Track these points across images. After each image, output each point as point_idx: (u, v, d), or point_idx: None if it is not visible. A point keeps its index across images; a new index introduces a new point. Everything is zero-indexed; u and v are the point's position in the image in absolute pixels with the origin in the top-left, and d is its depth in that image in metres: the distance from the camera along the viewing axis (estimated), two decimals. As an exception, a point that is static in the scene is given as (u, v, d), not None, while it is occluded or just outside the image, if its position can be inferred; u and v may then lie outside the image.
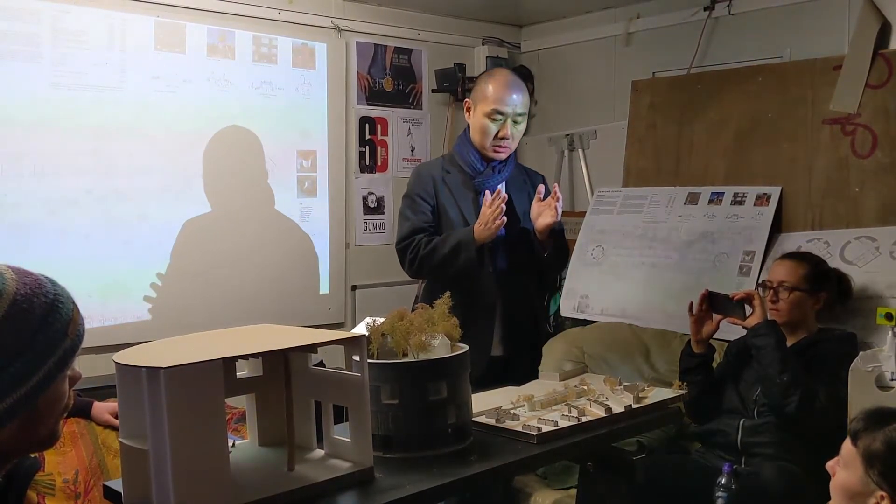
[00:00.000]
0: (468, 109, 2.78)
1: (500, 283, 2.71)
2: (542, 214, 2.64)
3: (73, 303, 1.15)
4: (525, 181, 2.86)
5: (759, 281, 2.66)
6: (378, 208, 4.05)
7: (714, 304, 2.52)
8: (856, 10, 3.20)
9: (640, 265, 3.53)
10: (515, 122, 2.71)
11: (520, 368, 2.67)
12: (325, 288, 3.91)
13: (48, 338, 1.09)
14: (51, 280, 1.14)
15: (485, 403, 2.06)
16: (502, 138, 2.69)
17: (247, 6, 3.58)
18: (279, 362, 1.70)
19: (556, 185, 2.73)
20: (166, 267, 3.41)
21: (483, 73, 2.94)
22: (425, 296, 2.80)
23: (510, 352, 2.74)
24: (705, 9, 3.67)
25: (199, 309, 3.44)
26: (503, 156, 2.75)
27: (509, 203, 2.74)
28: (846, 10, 3.28)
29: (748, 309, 2.45)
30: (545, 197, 2.67)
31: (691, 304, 2.54)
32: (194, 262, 3.49)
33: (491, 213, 2.56)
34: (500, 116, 2.67)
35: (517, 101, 2.69)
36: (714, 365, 2.64)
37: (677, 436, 2.83)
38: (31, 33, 3.05)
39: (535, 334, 2.90)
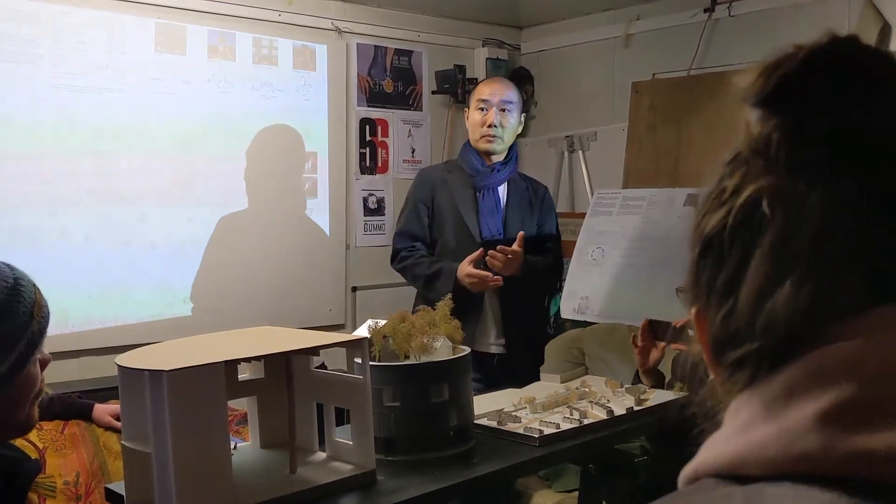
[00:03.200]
0: (466, 118, 2.91)
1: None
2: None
3: (34, 286, 1.15)
4: (528, 188, 2.93)
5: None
6: (378, 210, 4.05)
7: (656, 332, 2.43)
8: (856, 12, 3.20)
9: (640, 266, 3.53)
10: (504, 111, 2.78)
11: (521, 368, 2.69)
12: (325, 289, 3.91)
13: (15, 322, 1.09)
14: (8, 265, 1.14)
15: (486, 406, 2.06)
16: (490, 126, 2.77)
17: (247, 8, 3.57)
18: (281, 364, 1.70)
19: (520, 235, 2.70)
20: (166, 268, 3.40)
21: None
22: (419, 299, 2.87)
23: (509, 351, 2.77)
24: (705, 10, 3.67)
25: (198, 310, 3.44)
26: (496, 146, 2.81)
27: (508, 209, 2.83)
28: (846, 12, 3.29)
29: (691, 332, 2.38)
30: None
31: (634, 336, 2.46)
32: (192, 263, 3.49)
33: (482, 275, 2.62)
34: (485, 104, 2.79)
35: (501, 90, 2.81)
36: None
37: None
38: (31, 35, 3.05)
39: (535, 335, 2.92)
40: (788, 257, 0.48)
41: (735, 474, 0.47)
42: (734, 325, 0.51)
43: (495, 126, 2.77)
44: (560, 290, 3.84)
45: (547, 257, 2.89)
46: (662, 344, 2.44)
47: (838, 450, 0.44)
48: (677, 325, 2.40)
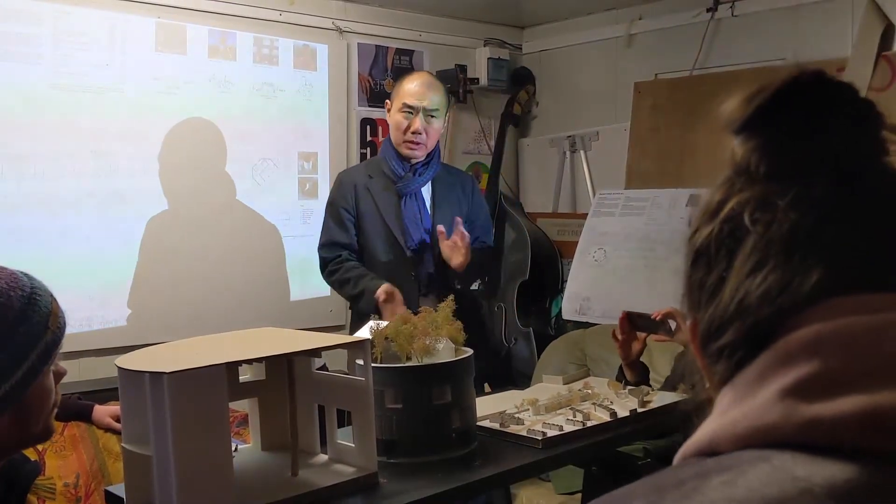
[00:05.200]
0: (388, 111, 2.83)
1: (427, 288, 2.69)
2: (453, 256, 2.66)
3: (52, 296, 1.15)
4: (454, 183, 2.88)
5: None
6: (379, 210, 4.04)
7: (636, 324, 2.40)
8: (859, 12, 3.19)
9: (642, 268, 3.52)
10: (430, 118, 2.72)
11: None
12: (325, 290, 3.90)
13: (28, 331, 1.08)
14: (26, 275, 1.14)
15: (489, 407, 2.05)
16: (414, 132, 2.70)
17: (248, 7, 3.56)
18: (282, 366, 1.69)
19: (458, 220, 2.68)
20: (166, 269, 3.39)
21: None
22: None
23: None
24: (708, 10, 3.66)
25: (202, 311, 3.42)
26: (418, 153, 2.75)
27: (435, 210, 2.80)
28: (850, 12, 3.27)
29: (672, 323, 2.34)
30: (449, 236, 2.67)
31: (614, 330, 2.42)
32: (194, 264, 3.47)
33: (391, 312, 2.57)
34: (410, 110, 2.71)
35: (427, 95, 2.72)
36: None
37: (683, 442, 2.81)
38: (32, 34, 3.04)
39: (481, 340, 2.87)
40: (765, 255, 0.55)
41: (712, 451, 0.53)
42: (717, 319, 0.57)
43: (419, 133, 2.71)
44: (561, 290, 3.83)
45: (479, 255, 2.84)
46: (643, 335, 2.42)
47: (796, 418, 0.49)
48: (657, 317, 2.38)
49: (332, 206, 2.81)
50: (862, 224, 0.54)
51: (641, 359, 2.95)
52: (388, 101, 2.85)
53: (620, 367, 2.47)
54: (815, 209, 0.54)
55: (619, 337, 2.39)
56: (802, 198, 0.55)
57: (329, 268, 2.75)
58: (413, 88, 2.73)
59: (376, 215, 2.74)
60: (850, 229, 0.54)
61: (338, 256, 2.74)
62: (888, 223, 0.55)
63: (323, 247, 2.79)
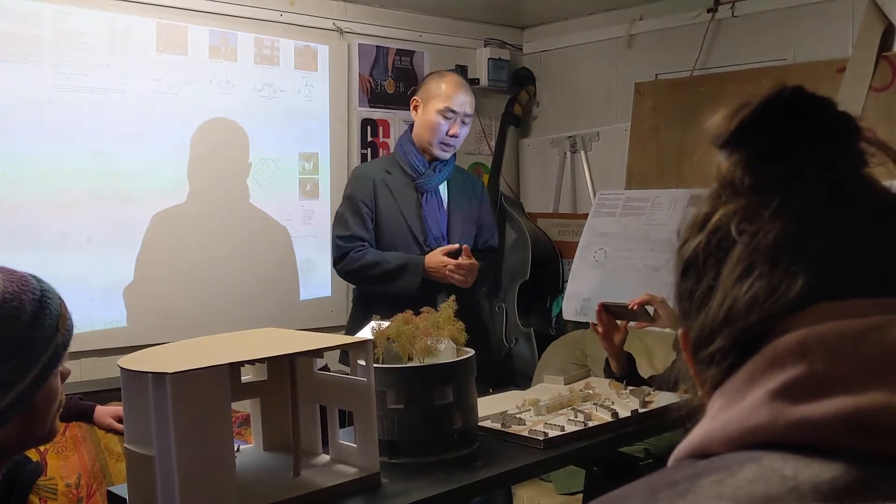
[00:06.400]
0: (415, 108, 2.83)
1: (435, 287, 2.70)
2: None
3: (60, 298, 1.15)
4: (465, 184, 2.93)
5: None
6: (380, 210, 4.04)
7: (615, 314, 2.39)
8: (860, 13, 3.19)
9: (643, 268, 3.52)
10: (463, 123, 2.80)
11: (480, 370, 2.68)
12: (326, 290, 3.90)
13: (40, 334, 1.09)
14: (35, 277, 1.14)
15: (490, 408, 2.05)
16: (452, 136, 2.76)
17: (249, 8, 3.56)
18: (284, 367, 1.69)
19: (465, 248, 2.71)
20: (166, 269, 3.39)
21: (432, 73, 3.01)
22: (358, 297, 2.88)
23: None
24: (708, 10, 3.66)
25: (201, 312, 3.42)
26: (447, 155, 2.81)
27: (451, 208, 2.84)
28: (850, 13, 3.28)
29: (650, 309, 2.32)
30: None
31: (594, 324, 2.41)
32: (194, 264, 3.47)
33: (452, 270, 2.62)
34: (452, 115, 2.75)
35: (468, 102, 2.80)
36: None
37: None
38: (33, 35, 3.04)
39: (484, 341, 2.89)
40: (751, 264, 0.57)
41: (704, 453, 0.55)
42: (707, 326, 0.59)
43: (457, 137, 2.78)
44: (562, 291, 3.83)
45: (486, 259, 2.90)
46: (623, 323, 2.42)
47: (783, 419, 0.51)
48: (633, 307, 2.37)
49: (350, 200, 2.80)
50: (844, 232, 0.56)
51: (639, 355, 2.95)
52: (415, 98, 2.86)
53: (607, 360, 2.47)
54: (799, 219, 0.56)
55: (599, 329, 2.39)
56: (786, 208, 0.57)
57: (350, 255, 2.72)
58: (458, 94, 2.78)
59: (396, 211, 2.75)
60: (832, 237, 0.56)
61: (361, 245, 2.73)
62: (869, 231, 0.57)
63: (341, 237, 2.75)
